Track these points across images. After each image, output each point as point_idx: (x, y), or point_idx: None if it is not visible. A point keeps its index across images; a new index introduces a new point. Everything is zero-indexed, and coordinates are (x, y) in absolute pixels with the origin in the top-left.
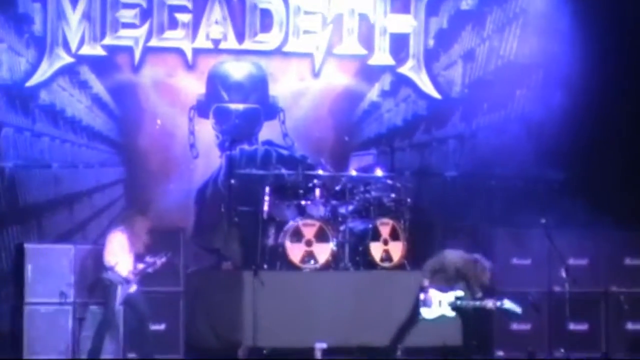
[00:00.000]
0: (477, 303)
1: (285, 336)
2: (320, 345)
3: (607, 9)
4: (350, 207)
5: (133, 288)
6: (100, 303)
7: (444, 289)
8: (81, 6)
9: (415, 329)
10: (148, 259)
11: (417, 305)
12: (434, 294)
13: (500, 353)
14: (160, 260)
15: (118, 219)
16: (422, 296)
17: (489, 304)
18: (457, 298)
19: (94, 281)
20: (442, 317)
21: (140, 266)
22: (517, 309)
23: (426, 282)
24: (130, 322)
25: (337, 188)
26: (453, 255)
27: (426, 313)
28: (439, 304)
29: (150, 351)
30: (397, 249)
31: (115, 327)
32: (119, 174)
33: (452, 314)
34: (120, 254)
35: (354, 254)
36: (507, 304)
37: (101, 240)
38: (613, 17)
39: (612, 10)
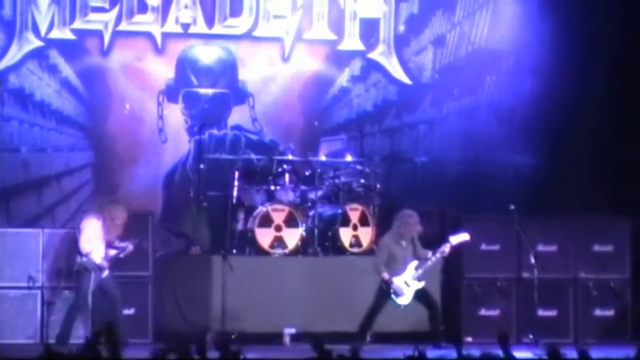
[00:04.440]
0: (433, 259)
1: (253, 321)
2: (289, 331)
3: None
4: (320, 193)
5: (105, 273)
6: (70, 287)
7: (399, 271)
8: None
9: (384, 314)
10: (118, 243)
11: (382, 292)
12: (397, 281)
13: (469, 339)
14: (130, 246)
15: (93, 205)
16: (391, 290)
17: (444, 251)
18: (416, 268)
19: (67, 267)
20: (414, 300)
21: (112, 252)
22: (465, 237)
23: (385, 275)
24: (101, 307)
25: (307, 173)
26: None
27: (403, 300)
28: (407, 285)
29: (122, 335)
30: (366, 235)
31: (85, 312)
32: (87, 158)
33: (421, 284)
34: (95, 240)
35: (323, 239)
36: (455, 240)
37: (70, 224)
38: (583, 3)
39: None
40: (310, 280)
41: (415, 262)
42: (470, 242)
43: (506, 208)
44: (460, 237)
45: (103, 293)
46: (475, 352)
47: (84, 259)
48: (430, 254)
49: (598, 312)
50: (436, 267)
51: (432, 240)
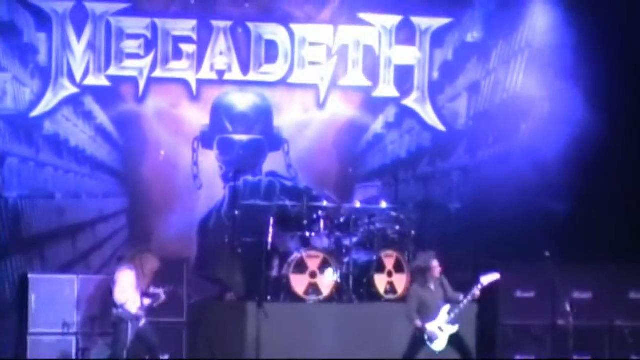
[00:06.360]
0: (465, 302)
1: None
2: None
3: (612, 43)
4: (355, 239)
5: (142, 322)
6: (104, 334)
7: (432, 317)
8: (86, 37)
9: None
10: (152, 290)
11: (416, 340)
12: (431, 327)
13: None
14: (163, 295)
15: (126, 255)
16: (425, 337)
17: (475, 294)
18: (449, 312)
19: (102, 313)
20: (449, 347)
21: (147, 301)
22: (495, 276)
23: (418, 323)
24: (139, 354)
25: (341, 220)
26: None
27: (437, 346)
28: (441, 330)
29: None
30: (401, 281)
31: None
32: (122, 204)
33: (455, 328)
34: (129, 291)
35: (358, 285)
36: (486, 280)
37: (104, 270)
38: (617, 52)
39: (617, 45)
40: (345, 327)
41: (447, 307)
42: (505, 288)
43: (541, 255)
44: (491, 277)
45: (141, 341)
46: None
47: (120, 310)
48: (461, 297)
49: None
50: (470, 312)
51: (465, 287)
